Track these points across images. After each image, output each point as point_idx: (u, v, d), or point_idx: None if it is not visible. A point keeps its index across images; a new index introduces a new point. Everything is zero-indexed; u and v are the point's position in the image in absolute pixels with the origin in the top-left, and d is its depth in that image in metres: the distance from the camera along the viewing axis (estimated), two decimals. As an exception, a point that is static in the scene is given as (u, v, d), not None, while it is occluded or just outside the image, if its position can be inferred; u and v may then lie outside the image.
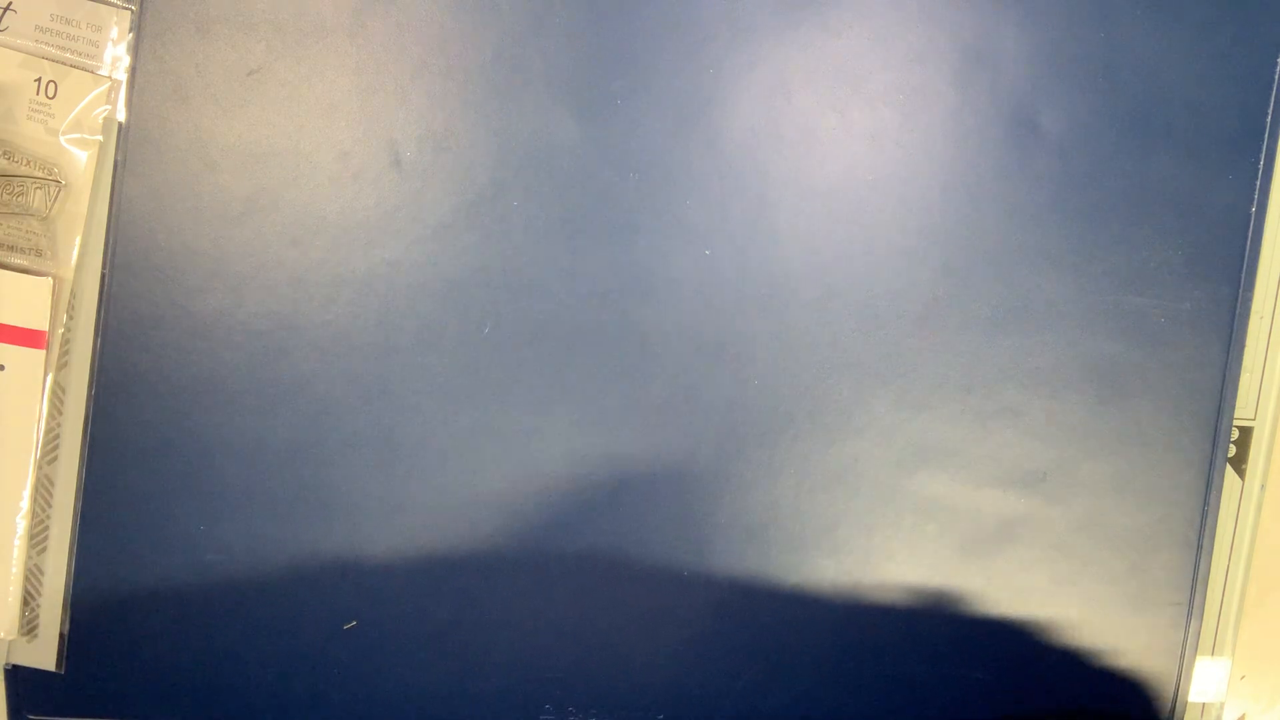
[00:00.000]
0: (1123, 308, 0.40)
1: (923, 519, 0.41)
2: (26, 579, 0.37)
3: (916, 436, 0.40)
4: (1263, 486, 0.43)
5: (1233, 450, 0.43)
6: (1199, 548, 0.42)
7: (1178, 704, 0.44)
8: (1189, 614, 0.43)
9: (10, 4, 0.34)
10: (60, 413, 0.36)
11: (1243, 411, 0.42)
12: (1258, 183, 0.40)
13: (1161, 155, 0.40)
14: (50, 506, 0.37)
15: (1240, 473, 0.43)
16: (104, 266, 0.36)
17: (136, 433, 0.37)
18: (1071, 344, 0.40)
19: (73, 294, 0.36)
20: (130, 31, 0.35)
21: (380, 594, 0.39)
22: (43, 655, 0.38)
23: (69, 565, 0.37)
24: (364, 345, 0.37)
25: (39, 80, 0.35)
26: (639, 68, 0.37)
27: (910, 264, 0.39)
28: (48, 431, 0.36)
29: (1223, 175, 0.40)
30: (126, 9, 0.35)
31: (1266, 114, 0.40)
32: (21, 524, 0.36)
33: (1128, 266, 0.40)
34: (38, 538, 0.37)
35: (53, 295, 0.36)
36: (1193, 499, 0.42)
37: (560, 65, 0.37)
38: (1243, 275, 0.41)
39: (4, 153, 0.35)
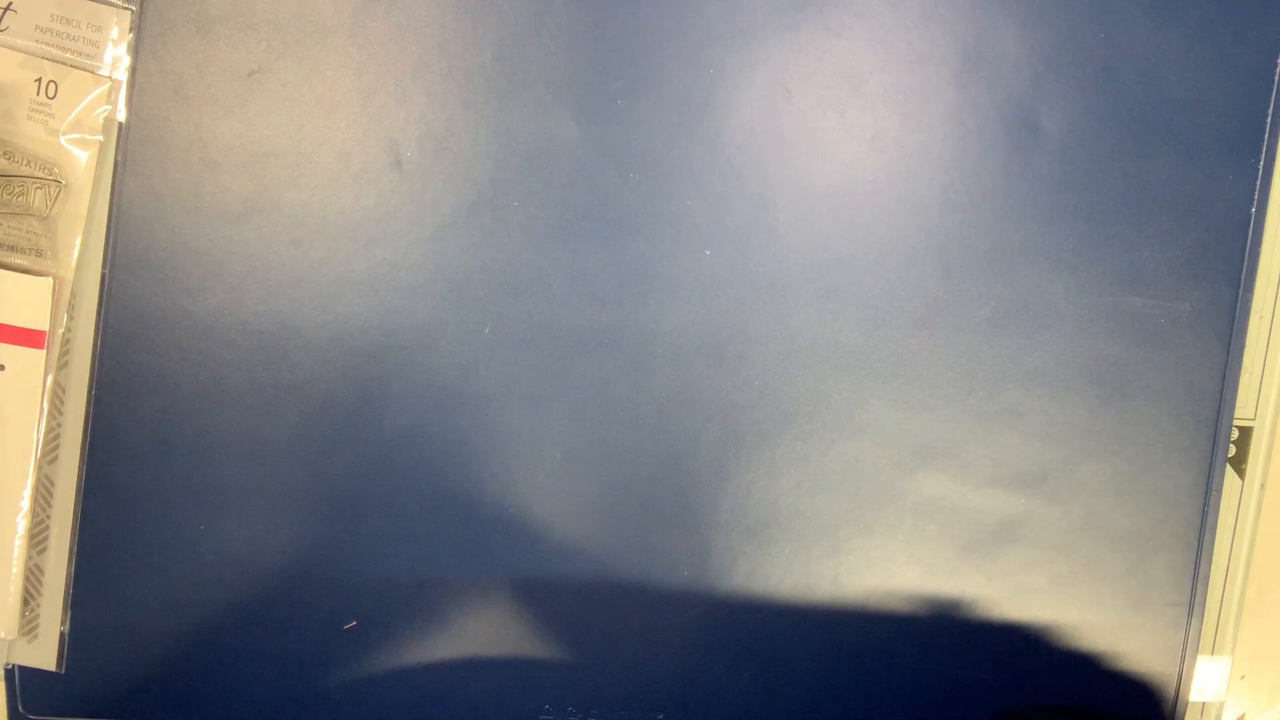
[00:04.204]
0: (1123, 308, 0.40)
1: (923, 519, 0.41)
2: (26, 579, 0.37)
3: (916, 436, 0.40)
4: (1263, 486, 0.43)
5: (1233, 450, 0.43)
6: (1199, 548, 0.42)
7: (1178, 704, 0.44)
8: (1189, 614, 0.43)
9: (10, 4, 0.34)
10: (60, 413, 0.36)
11: (1243, 411, 0.42)
12: (1258, 183, 0.40)
13: (1161, 155, 0.39)
14: (50, 506, 0.37)
15: (1240, 473, 0.43)
16: (104, 266, 0.36)
17: (136, 433, 0.37)
18: (1071, 344, 0.40)
19: (73, 294, 0.36)
20: (130, 31, 0.35)
21: (380, 594, 0.39)
22: (43, 655, 0.38)
23: (69, 565, 0.37)
24: (364, 345, 0.37)
25: (39, 80, 0.35)
26: (639, 68, 0.37)
27: (910, 264, 0.39)
28: (48, 431, 0.36)
29: (1223, 175, 0.40)
30: (126, 9, 0.35)
31: (1266, 114, 0.40)
32: (21, 524, 0.36)
33: (1128, 266, 0.40)
34: (38, 538, 0.37)
35: (53, 295, 0.36)
36: (1193, 499, 0.42)
37: (560, 65, 0.37)
38: (1243, 275, 0.41)
39: (4, 153, 0.35)
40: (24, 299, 0.35)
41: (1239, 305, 0.41)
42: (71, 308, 0.36)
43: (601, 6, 0.37)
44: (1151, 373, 0.41)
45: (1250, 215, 0.40)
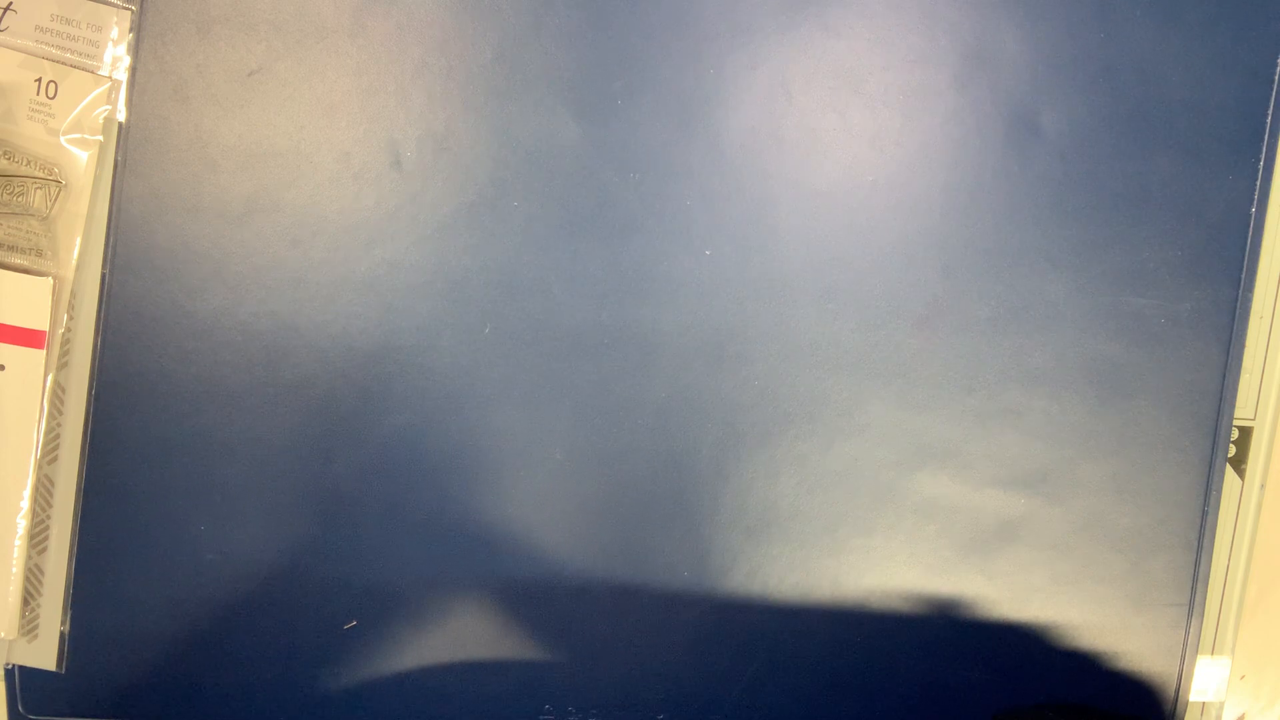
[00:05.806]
0: (1123, 308, 0.40)
1: (923, 519, 0.41)
2: (26, 579, 0.37)
3: (916, 436, 0.40)
4: (1263, 486, 0.43)
5: (1233, 450, 0.43)
6: (1199, 548, 0.42)
7: (1178, 704, 0.44)
8: (1189, 614, 0.43)
9: (10, 4, 0.34)
10: (60, 413, 0.36)
11: (1243, 411, 0.42)
12: (1258, 183, 0.40)
13: (1161, 155, 0.40)
14: (50, 506, 0.37)
15: (1240, 473, 0.43)
16: (104, 266, 0.36)
17: (136, 433, 0.37)
18: (1071, 344, 0.40)
19: (73, 294, 0.36)
20: (130, 31, 0.35)
21: (380, 594, 0.39)
22: (43, 655, 0.38)
23: (69, 565, 0.37)
24: (364, 345, 0.37)
25: (39, 80, 0.35)
26: (639, 68, 0.37)
27: (910, 264, 0.39)
28: (48, 431, 0.36)
29: (1223, 175, 0.40)
30: (126, 9, 0.35)
31: (1266, 114, 0.40)
32: (21, 524, 0.36)
33: (1128, 266, 0.40)
34: (38, 538, 0.37)
35: (53, 295, 0.36)
36: (1193, 499, 0.42)
37: (560, 65, 0.37)
38: (1243, 275, 0.41)
39: (4, 153, 0.35)
40: (24, 299, 0.35)
41: (1239, 305, 0.41)
42: (71, 308, 0.36)
43: (601, 7, 0.37)
44: (1151, 373, 0.41)
45: (1250, 215, 0.40)
